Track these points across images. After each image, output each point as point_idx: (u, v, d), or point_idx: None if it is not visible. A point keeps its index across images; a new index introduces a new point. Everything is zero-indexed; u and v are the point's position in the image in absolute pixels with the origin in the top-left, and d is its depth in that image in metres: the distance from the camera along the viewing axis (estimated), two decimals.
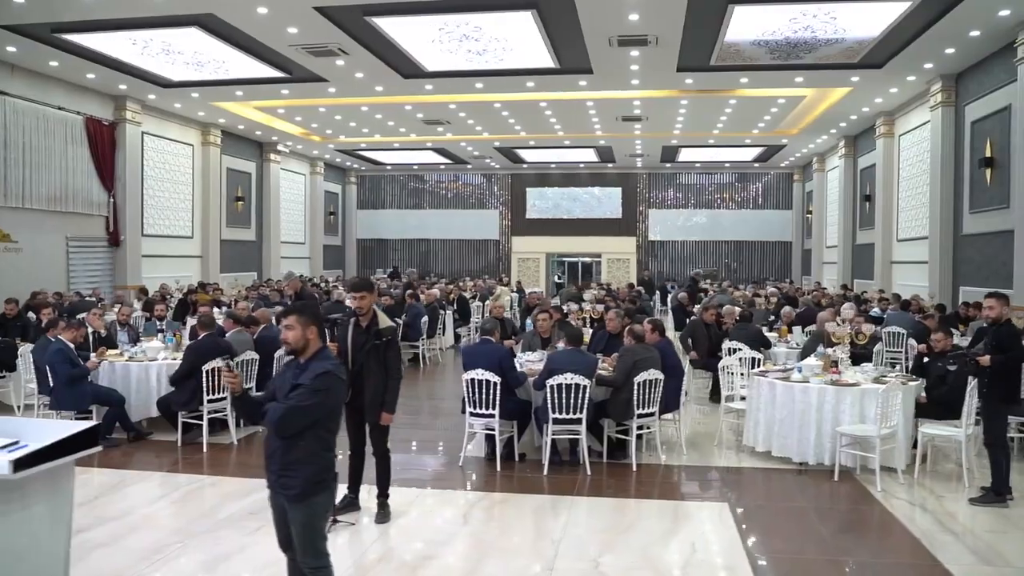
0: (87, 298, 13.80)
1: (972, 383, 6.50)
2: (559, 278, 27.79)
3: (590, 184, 29.03)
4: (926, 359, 7.66)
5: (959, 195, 14.11)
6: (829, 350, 7.65)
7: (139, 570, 4.72)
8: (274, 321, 8.80)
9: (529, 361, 7.99)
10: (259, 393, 4.74)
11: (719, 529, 5.54)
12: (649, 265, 27.95)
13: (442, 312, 15.13)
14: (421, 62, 14.09)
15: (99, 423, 3.63)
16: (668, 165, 27.51)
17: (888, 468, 6.67)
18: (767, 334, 10.65)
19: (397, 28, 12.18)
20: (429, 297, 14.90)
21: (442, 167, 28.95)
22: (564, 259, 29.77)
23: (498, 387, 6.85)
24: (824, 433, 6.92)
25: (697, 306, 14.07)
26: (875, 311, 13.37)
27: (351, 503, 5.68)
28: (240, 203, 21.71)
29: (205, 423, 7.67)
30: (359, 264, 30.09)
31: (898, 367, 10.17)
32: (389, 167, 29.38)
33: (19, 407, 8.90)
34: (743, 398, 8.00)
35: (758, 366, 8.36)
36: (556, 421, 6.80)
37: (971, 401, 6.53)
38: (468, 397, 7.01)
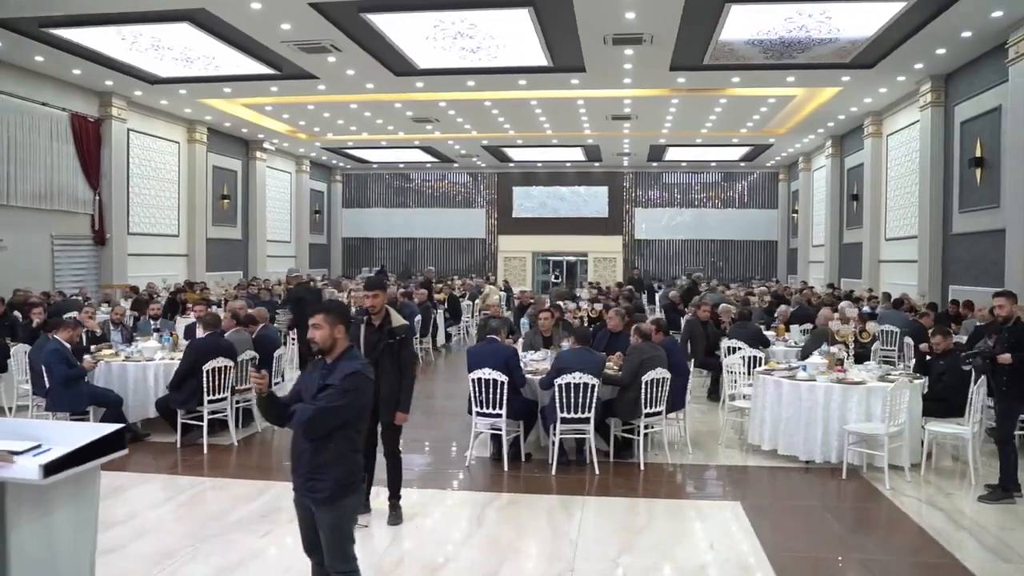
0: (72, 297, 13.57)
1: (979, 382, 6.55)
2: (556, 278, 27.69)
3: (576, 183, 29.02)
4: (928, 358, 7.70)
5: (948, 194, 14.23)
6: (833, 348, 7.66)
7: None
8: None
9: (533, 360, 7.95)
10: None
11: (735, 528, 5.53)
12: (636, 264, 28.00)
13: (434, 311, 15.07)
14: (414, 59, 13.99)
15: (126, 425, 3.53)
16: (655, 164, 27.57)
17: (894, 466, 6.68)
18: (765, 333, 10.66)
19: (392, 24, 12.08)
20: (421, 296, 14.82)
21: (428, 165, 28.83)
22: (549, 258, 29.71)
23: (505, 386, 6.80)
24: (831, 431, 6.94)
25: (689, 305, 14.06)
26: (866, 309, 13.43)
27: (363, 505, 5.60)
28: (226, 201, 21.48)
29: (205, 424, 7.54)
30: (344, 263, 29.89)
31: (896, 365, 10.22)
32: (375, 165, 29.21)
33: (11, 408, 8.71)
34: (745, 396, 8.02)
35: (758, 365, 8.37)
36: (564, 421, 6.76)
37: (977, 399, 6.59)
38: (475, 397, 6.95)
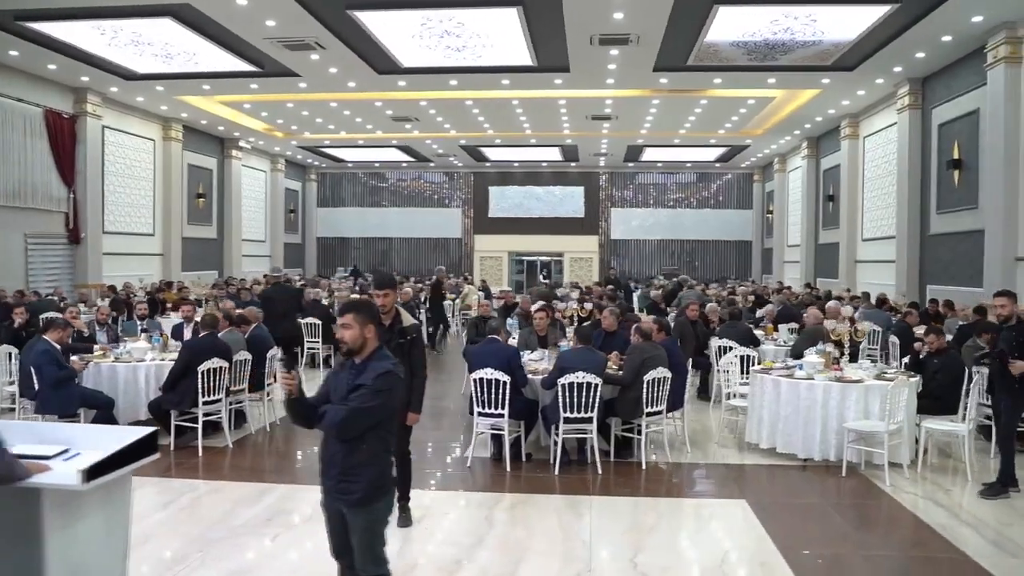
0: (47, 297, 13.27)
1: (974, 380, 6.68)
2: (544, 278, 27.63)
3: (552, 183, 29.08)
4: (921, 356, 7.82)
5: (926, 196, 14.48)
6: (829, 347, 7.75)
7: None
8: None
9: (531, 360, 7.93)
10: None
11: (745, 526, 5.56)
12: (612, 264, 28.10)
13: (418, 311, 14.98)
14: (398, 57, 13.90)
15: (157, 429, 3.43)
16: (631, 164, 27.73)
17: (893, 463, 6.76)
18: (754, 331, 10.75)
19: (378, 22, 12.00)
20: (405, 296, 14.70)
21: (404, 164, 28.70)
22: (523, 258, 29.71)
23: (507, 386, 6.77)
24: (829, 429, 7.01)
25: (672, 305, 14.13)
26: (847, 309, 13.60)
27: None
28: (201, 200, 21.17)
29: (200, 426, 7.41)
30: (319, 263, 29.64)
31: (877, 363, 10.35)
32: (350, 164, 29.01)
33: None
34: (741, 395, 8.08)
35: (750, 364, 8.44)
36: (567, 420, 6.74)
37: (972, 397, 6.71)
38: (476, 397, 6.91)
